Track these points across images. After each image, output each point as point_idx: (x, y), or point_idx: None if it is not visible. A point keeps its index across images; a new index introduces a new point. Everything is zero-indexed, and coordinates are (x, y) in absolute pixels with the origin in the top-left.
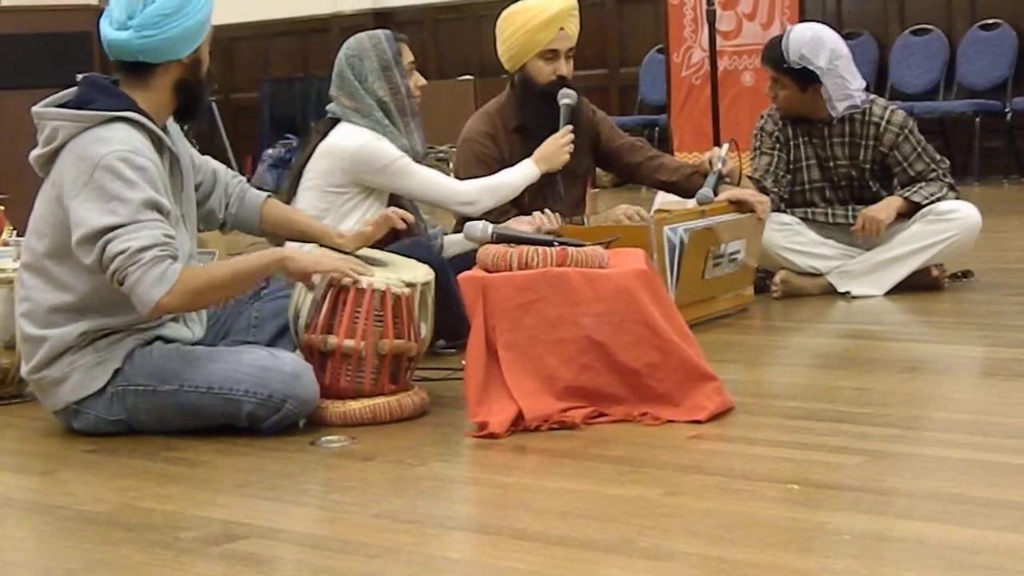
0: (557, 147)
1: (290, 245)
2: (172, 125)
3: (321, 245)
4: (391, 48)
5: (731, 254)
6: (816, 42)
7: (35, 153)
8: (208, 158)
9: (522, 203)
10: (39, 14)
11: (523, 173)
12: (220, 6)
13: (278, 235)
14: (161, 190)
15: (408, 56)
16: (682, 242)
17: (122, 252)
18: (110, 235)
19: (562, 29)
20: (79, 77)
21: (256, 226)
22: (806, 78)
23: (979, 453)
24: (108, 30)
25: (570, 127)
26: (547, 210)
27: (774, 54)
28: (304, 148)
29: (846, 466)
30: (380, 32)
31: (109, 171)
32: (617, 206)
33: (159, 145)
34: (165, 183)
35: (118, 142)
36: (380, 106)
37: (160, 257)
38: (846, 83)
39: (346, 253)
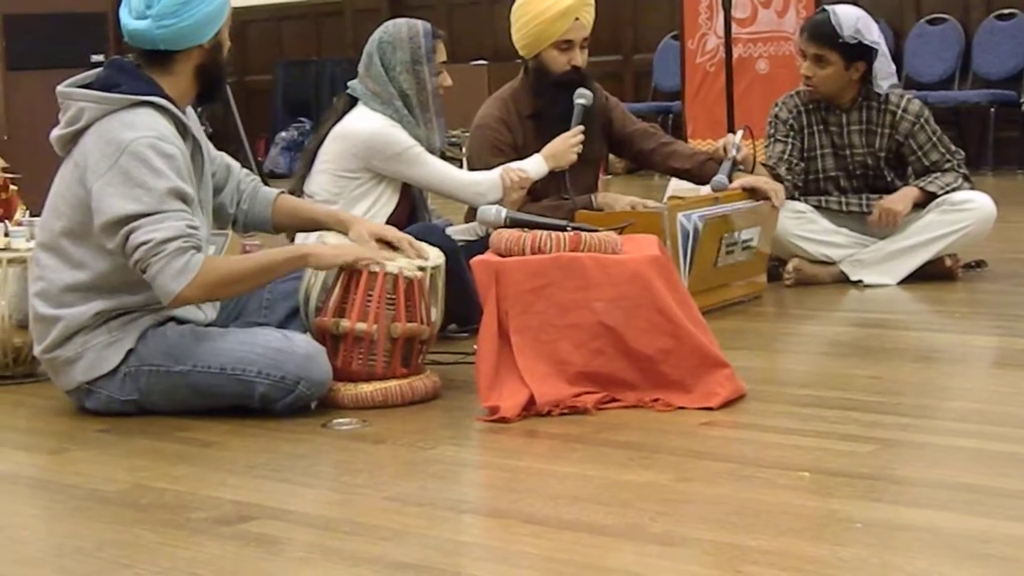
0: (567, 146)
1: (300, 237)
2: (188, 111)
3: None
4: (426, 44)
5: (745, 241)
6: (867, 19)
7: (57, 132)
8: (222, 153)
9: (534, 189)
10: None
11: (533, 167)
12: None
13: (291, 228)
14: (186, 177)
15: (442, 55)
16: (696, 229)
17: (145, 243)
18: (134, 224)
19: (577, 19)
20: (100, 58)
21: (269, 221)
22: (853, 54)
23: (991, 443)
24: (127, 19)
25: (581, 127)
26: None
27: (826, 30)
28: (320, 128)
29: (858, 454)
30: (420, 24)
31: (136, 157)
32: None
33: (183, 130)
34: (189, 168)
35: (145, 128)
36: (402, 98)
37: (183, 248)
38: (888, 61)
39: None
